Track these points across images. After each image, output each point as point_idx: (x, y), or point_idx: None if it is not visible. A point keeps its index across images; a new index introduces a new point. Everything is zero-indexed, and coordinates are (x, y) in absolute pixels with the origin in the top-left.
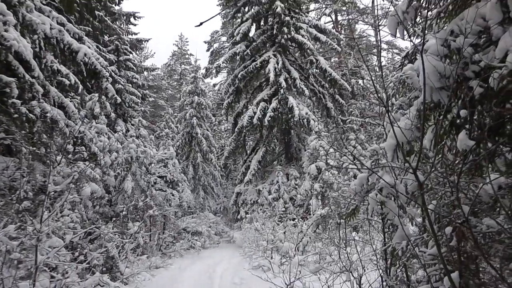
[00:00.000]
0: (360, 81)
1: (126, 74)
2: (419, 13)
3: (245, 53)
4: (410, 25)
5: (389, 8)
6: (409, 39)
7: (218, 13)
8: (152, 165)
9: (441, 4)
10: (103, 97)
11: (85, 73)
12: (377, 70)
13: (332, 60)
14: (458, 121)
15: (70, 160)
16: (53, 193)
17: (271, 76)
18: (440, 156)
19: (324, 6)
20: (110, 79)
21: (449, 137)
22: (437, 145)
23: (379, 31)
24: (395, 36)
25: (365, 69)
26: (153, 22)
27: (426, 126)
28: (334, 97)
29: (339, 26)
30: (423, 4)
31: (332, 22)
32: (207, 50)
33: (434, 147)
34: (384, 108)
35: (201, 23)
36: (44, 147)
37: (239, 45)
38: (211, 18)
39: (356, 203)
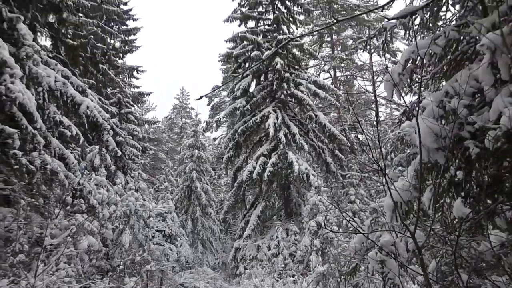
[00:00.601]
0: (360, 136)
1: (127, 127)
2: (415, 73)
3: (245, 108)
4: (406, 85)
5: (386, 64)
6: (404, 103)
7: (215, 91)
8: (151, 218)
9: (436, 62)
10: (103, 149)
11: (86, 125)
12: (376, 125)
13: (331, 116)
14: (456, 179)
15: (68, 212)
16: (49, 246)
17: (271, 131)
18: (439, 214)
19: (323, 62)
20: (111, 132)
21: (448, 195)
22: (436, 203)
23: (375, 89)
24: (391, 98)
25: (364, 124)
26: (156, 75)
27: (424, 186)
28: (334, 152)
29: (337, 82)
30: (418, 64)
31: (331, 78)
32: (208, 104)
33: (433, 205)
34: (382, 166)
35: (201, 97)
36: (42, 199)
37: (240, 100)
38: (210, 93)
39: (356, 261)
